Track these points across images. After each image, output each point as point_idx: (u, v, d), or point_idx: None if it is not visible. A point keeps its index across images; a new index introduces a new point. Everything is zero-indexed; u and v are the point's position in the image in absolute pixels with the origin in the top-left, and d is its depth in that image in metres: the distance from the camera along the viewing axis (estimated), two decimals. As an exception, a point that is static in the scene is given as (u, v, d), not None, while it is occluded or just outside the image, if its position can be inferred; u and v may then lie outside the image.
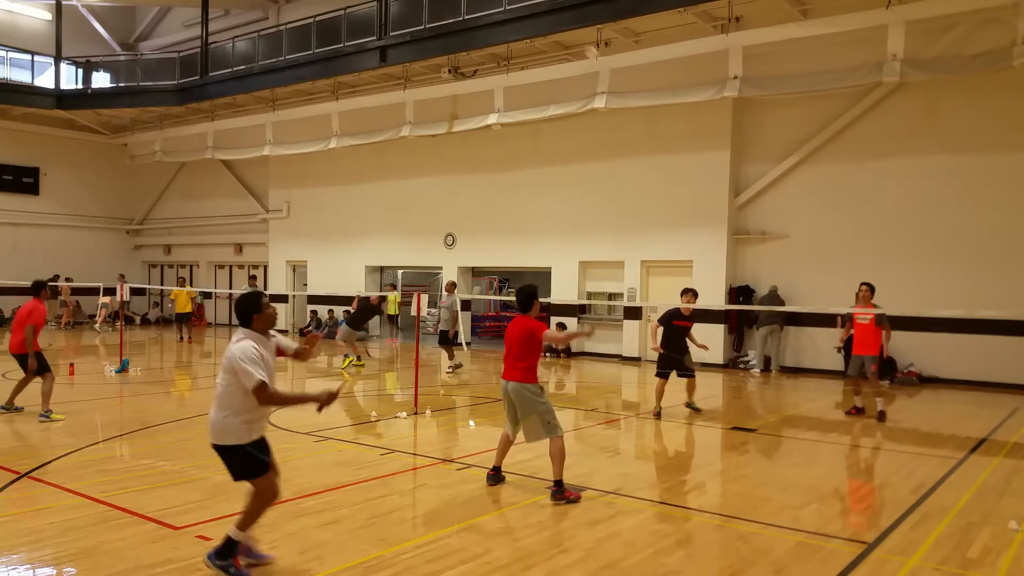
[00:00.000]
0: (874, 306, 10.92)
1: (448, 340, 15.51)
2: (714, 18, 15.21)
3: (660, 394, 10.86)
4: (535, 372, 6.75)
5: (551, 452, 6.62)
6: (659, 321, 10.94)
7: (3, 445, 8.41)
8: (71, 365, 14.69)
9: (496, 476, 6.98)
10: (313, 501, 6.35)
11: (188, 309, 21.52)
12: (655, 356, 11.18)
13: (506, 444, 7.00)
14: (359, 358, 16.40)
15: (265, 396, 4.62)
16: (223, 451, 4.78)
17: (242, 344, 4.73)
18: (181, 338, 21.31)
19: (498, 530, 5.73)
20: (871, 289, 10.99)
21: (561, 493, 6.43)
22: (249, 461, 4.78)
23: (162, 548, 5.18)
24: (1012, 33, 12.92)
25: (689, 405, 11.10)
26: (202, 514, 5.90)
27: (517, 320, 6.87)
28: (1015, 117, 14.07)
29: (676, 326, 10.80)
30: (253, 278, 21.97)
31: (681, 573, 4.96)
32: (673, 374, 10.90)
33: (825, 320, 15.27)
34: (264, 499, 4.81)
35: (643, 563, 5.10)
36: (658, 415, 10.67)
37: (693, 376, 11.04)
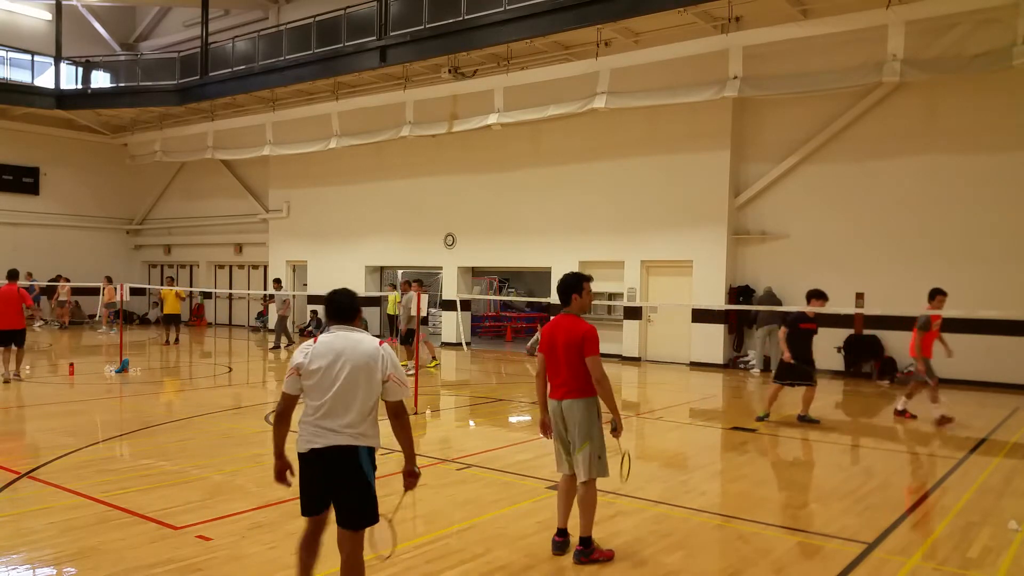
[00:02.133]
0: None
1: (408, 340, 15.07)
2: (714, 18, 15.21)
3: (773, 399, 10.50)
4: (592, 387, 5.19)
5: (582, 497, 5.16)
6: (785, 325, 10.48)
7: (3, 445, 8.41)
8: (71, 365, 14.69)
9: (563, 543, 5.27)
10: (313, 501, 6.33)
11: (177, 310, 20.65)
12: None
13: (569, 493, 5.32)
14: (434, 357, 16.21)
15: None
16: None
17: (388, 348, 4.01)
18: (167, 341, 20.35)
19: (498, 530, 5.73)
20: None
21: (589, 553, 5.09)
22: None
23: (162, 548, 5.18)
24: (1012, 33, 12.91)
25: (803, 418, 10.36)
26: (202, 514, 5.89)
27: (561, 320, 5.35)
28: (1015, 117, 14.06)
29: (803, 329, 10.31)
30: (277, 281, 21.72)
31: (681, 573, 4.96)
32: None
33: (825, 320, 15.25)
34: None
35: (643, 563, 5.10)
36: (761, 419, 10.34)
37: (814, 385, 10.40)
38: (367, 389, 3.91)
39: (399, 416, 4.02)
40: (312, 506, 4.01)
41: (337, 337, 3.99)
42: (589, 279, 5.49)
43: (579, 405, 5.19)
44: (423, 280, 16.67)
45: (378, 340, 4.04)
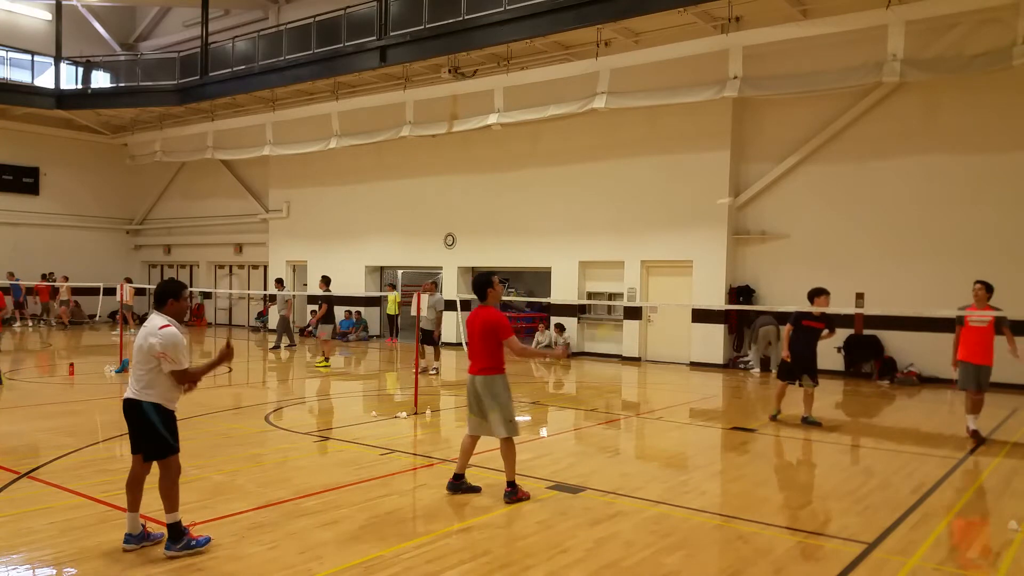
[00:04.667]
0: (992, 308, 9.66)
1: (432, 340, 15.13)
2: (714, 18, 15.21)
3: (780, 397, 10.51)
4: (502, 365, 6.55)
5: (503, 451, 6.51)
6: (790, 322, 10.44)
7: (3, 445, 8.41)
8: (71, 365, 14.69)
9: (459, 485, 6.63)
10: (313, 501, 6.35)
11: None
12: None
13: (468, 450, 6.71)
14: (326, 356, 16.65)
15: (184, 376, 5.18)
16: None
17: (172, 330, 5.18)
18: None
19: (498, 530, 5.73)
20: (987, 288, 9.67)
21: (515, 494, 6.43)
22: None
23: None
24: (1012, 33, 12.92)
25: (806, 419, 10.30)
26: (202, 514, 5.88)
27: (478, 311, 6.58)
28: (1015, 117, 14.06)
29: (806, 327, 10.29)
30: (279, 281, 21.77)
31: (681, 573, 4.96)
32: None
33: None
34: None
35: (643, 563, 5.10)
36: (774, 418, 10.41)
37: (814, 385, 10.37)
38: (146, 358, 5.07)
39: (180, 382, 5.18)
40: (131, 445, 5.28)
41: (147, 318, 5.27)
42: (495, 276, 6.75)
43: (490, 380, 6.47)
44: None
45: (162, 324, 5.11)
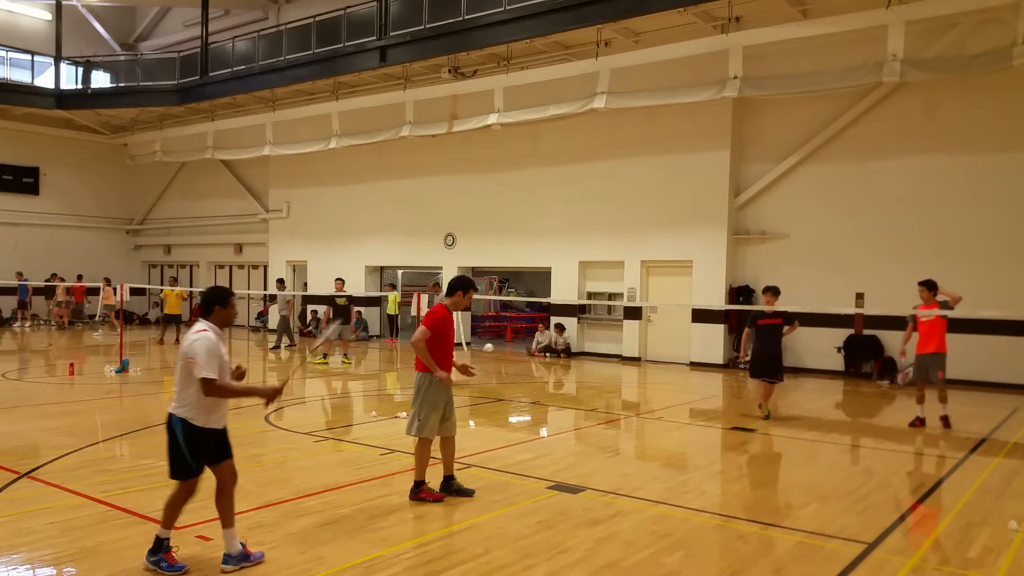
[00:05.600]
0: (938, 304, 10.15)
1: None
2: (714, 18, 15.21)
3: (767, 395, 10.73)
4: (431, 364, 6.33)
5: (415, 449, 6.53)
6: (747, 324, 10.93)
7: (3, 445, 8.41)
8: (71, 365, 14.69)
9: (449, 486, 6.57)
10: (313, 501, 6.35)
11: (178, 311, 20.65)
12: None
13: (443, 446, 6.63)
14: (325, 356, 16.75)
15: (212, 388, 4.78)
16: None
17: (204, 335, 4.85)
18: (162, 340, 20.45)
19: (498, 530, 5.73)
20: (928, 287, 10.21)
21: (416, 493, 6.39)
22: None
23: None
24: (1012, 33, 12.93)
25: (760, 406, 10.77)
26: (202, 514, 5.87)
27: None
28: (1015, 117, 14.06)
29: (761, 325, 10.65)
30: (280, 281, 21.77)
31: (681, 573, 4.96)
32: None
33: (825, 320, 15.29)
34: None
35: (643, 563, 5.10)
36: (766, 417, 10.55)
37: (780, 381, 10.75)
38: (183, 369, 4.79)
39: (206, 393, 4.77)
40: None
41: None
42: (474, 288, 6.73)
43: (417, 376, 6.48)
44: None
45: (199, 329, 4.85)
